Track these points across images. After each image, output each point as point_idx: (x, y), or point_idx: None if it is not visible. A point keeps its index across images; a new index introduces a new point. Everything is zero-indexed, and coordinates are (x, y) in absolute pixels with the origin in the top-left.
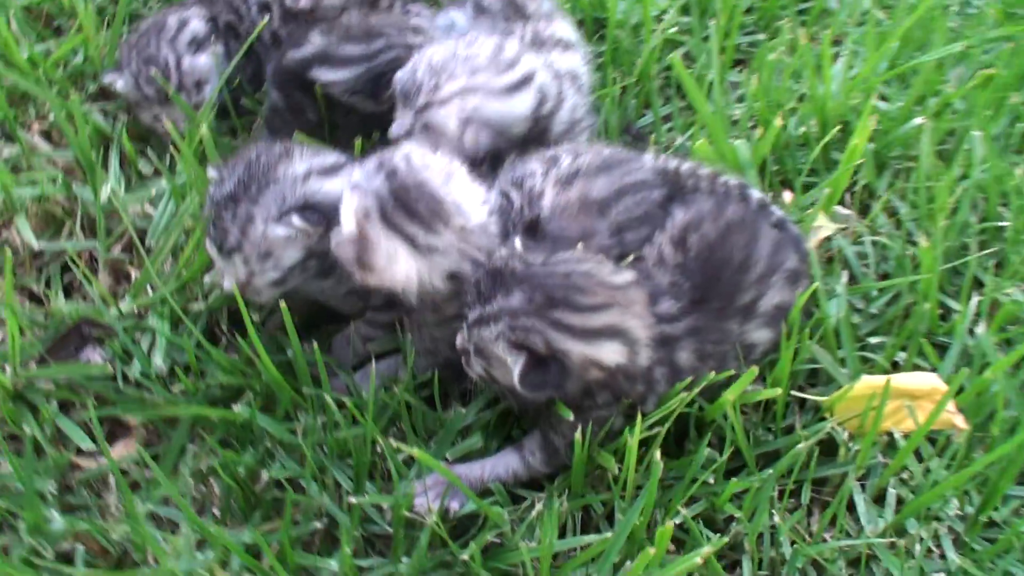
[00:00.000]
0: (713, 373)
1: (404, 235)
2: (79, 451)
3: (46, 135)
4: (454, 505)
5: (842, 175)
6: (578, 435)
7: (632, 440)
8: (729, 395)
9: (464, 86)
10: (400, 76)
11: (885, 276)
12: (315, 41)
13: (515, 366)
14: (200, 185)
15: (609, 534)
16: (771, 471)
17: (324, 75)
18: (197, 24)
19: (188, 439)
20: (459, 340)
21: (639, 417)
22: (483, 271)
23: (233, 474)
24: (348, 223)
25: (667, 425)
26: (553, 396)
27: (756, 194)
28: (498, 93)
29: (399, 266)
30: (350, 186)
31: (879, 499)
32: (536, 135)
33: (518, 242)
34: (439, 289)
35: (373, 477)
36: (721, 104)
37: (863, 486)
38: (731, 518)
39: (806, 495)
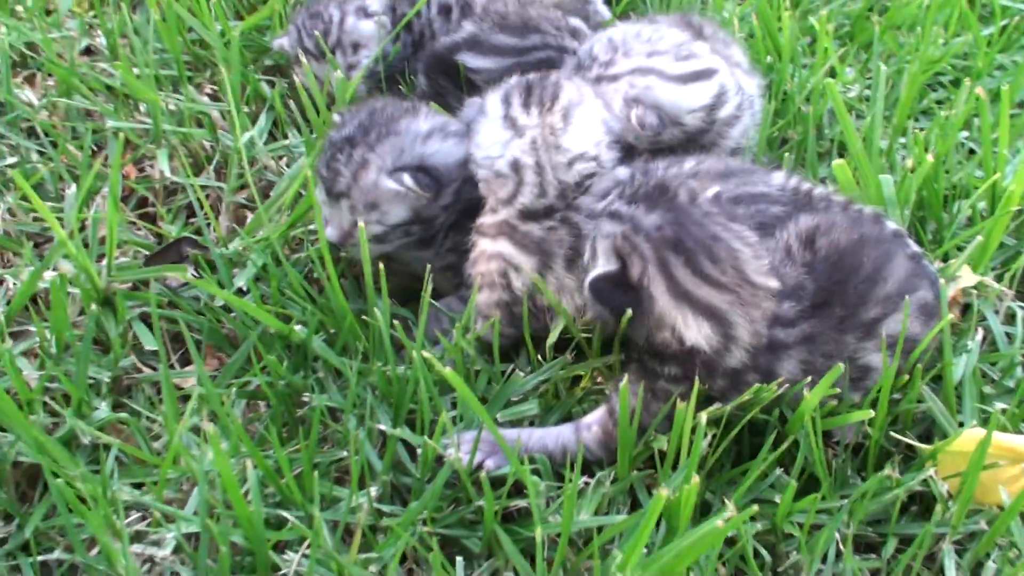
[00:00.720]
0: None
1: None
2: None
3: (214, 97)
4: (489, 463)
5: (999, 222)
6: (630, 403)
7: (688, 411)
8: (811, 399)
9: (638, 66)
10: (580, 48)
11: None
12: (467, 28)
13: (598, 268)
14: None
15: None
16: (845, 502)
17: (471, 61)
18: None
19: (246, 362)
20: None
21: (695, 386)
22: (650, 178)
23: (279, 392)
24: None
25: (741, 423)
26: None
27: (892, 224)
28: (673, 79)
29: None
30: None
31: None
32: (707, 138)
33: (711, 191)
34: None
35: (415, 427)
36: (876, 154)
37: (958, 553)
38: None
39: (890, 547)
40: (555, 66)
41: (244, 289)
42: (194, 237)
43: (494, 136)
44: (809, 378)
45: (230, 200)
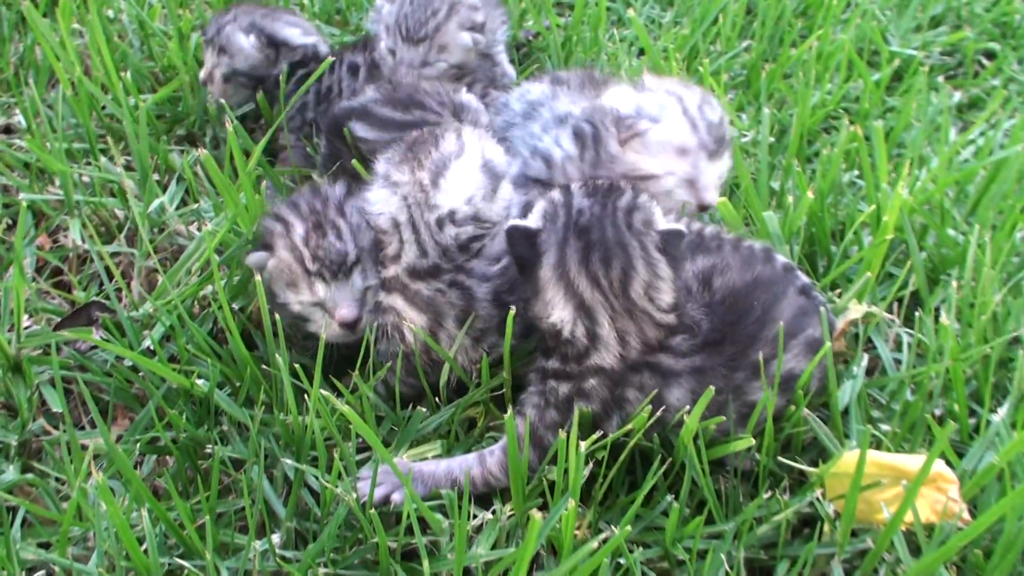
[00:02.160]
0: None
1: None
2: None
3: (129, 167)
4: (396, 497)
5: (876, 248)
6: (519, 427)
7: (572, 439)
8: (690, 423)
9: None
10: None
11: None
12: (368, 94)
13: (520, 220)
14: (251, 209)
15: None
16: (732, 524)
17: (359, 130)
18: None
19: (152, 418)
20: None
21: (576, 412)
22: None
23: (180, 444)
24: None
25: (627, 449)
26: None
27: (781, 258)
28: None
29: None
30: None
31: None
32: None
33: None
34: None
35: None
36: (765, 191)
37: (847, 573)
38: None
39: (781, 570)
40: None
41: (151, 349)
42: (103, 301)
43: (378, 194)
44: (687, 406)
45: (142, 265)
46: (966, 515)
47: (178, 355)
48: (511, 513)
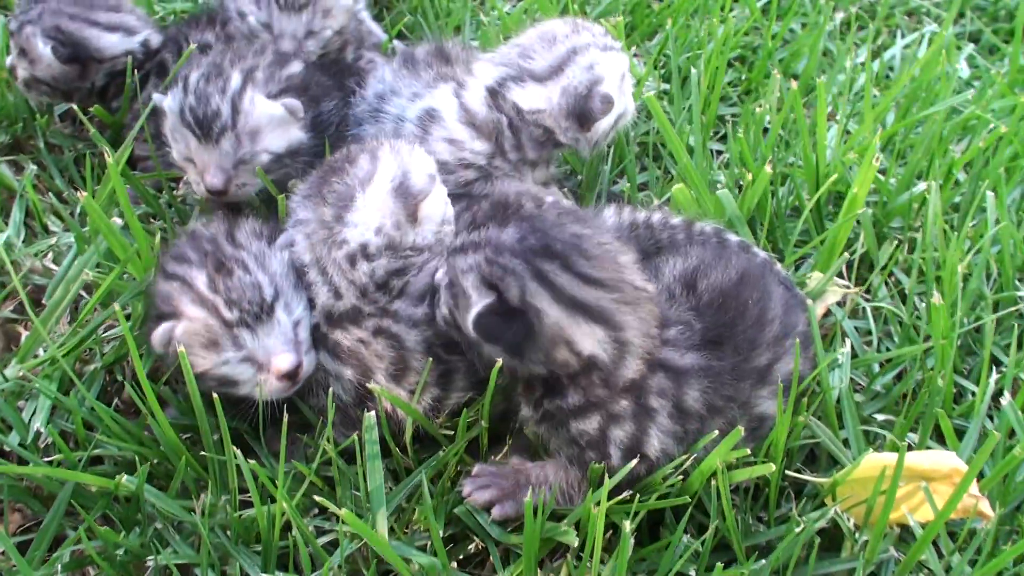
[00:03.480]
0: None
1: None
2: None
3: None
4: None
5: (842, 227)
6: (528, 499)
7: (599, 507)
8: (714, 458)
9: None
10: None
11: (887, 351)
12: None
13: (476, 304)
14: (113, 242)
15: None
16: (764, 562)
17: None
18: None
19: (66, 521)
20: (437, 274)
21: (606, 479)
22: (489, 198)
23: (111, 560)
24: None
25: (651, 498)
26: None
27: (733, 238)
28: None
29: None
30: None
31: None
32: None
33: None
34: None
35: (287, 568)
36: (703, 163)
37: None
38: None
39: None
40: None
41: (40, 430)
42: None
43: (287, 234)
44: (715, 433)
45: None
46: (987, 509)
47: (71, 434)
48: None
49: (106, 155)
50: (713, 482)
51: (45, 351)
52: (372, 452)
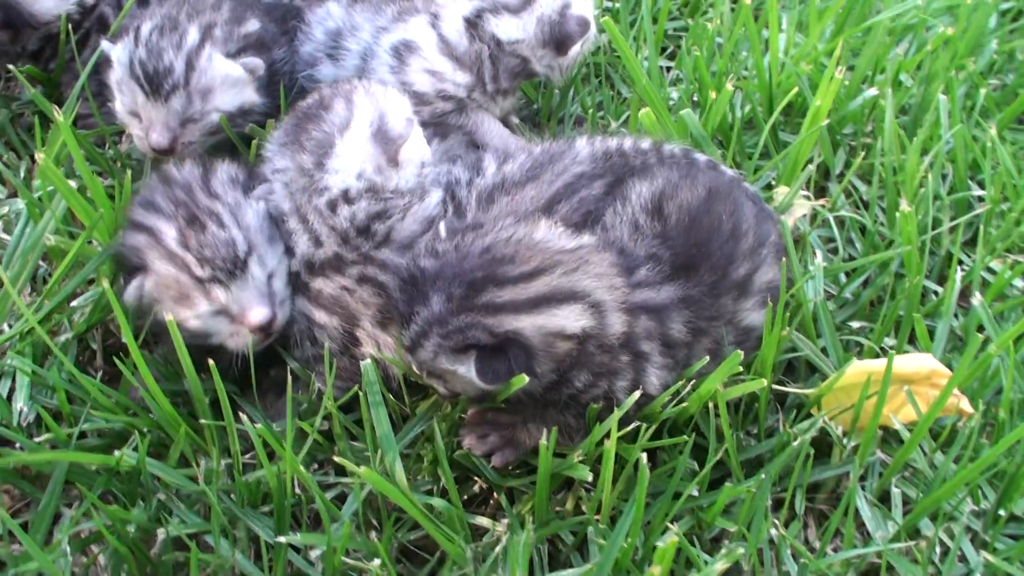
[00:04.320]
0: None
1: None
2: None
3: None
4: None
5: (806, 141)
6: (543, 438)
7: (609, 442)
8: (714, 380)
9: None
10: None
11: (852, 259)
12: None
13: (469, 370)
14: (76, 206)
15: (590, 566)
16: (764, 476)
17: None
18: None
19: (61, 499)
20: (409, 364)
21: (616, 412)
22: (396, 285)
23: (121, 535)
24: None
25: (654, 424)
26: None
27: (727, 170)
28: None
29: None
30: None
31: (883, 500)
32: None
33: (442, 227)
34: None
35: (298, 525)
36: (656, 82)
37: (863, 487)
38: (720, 535)
39: (801, 503)
40: None
41: (24, 409)
42: None
43: (264, 186)
44: (706, 359)
45: None
46: (967, 407)
47: (54, 408)
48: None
49: (56, 114)
50: (710, 404)
51: (10, 326)
52: (375, 400)
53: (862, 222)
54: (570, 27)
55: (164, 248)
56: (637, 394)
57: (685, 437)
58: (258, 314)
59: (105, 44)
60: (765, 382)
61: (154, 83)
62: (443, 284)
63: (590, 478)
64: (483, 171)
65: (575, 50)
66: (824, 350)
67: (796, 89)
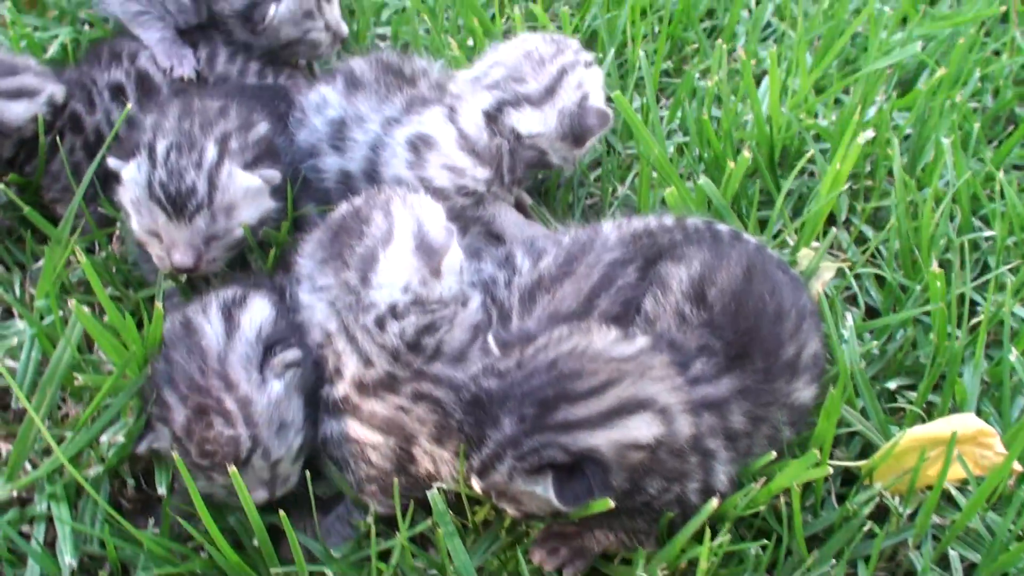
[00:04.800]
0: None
1: None
2: None
3: None
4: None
5: (825, 206)
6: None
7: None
8: (789, 478)
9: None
10: None
11: (870, 310)
12: None
13: (547, 491)
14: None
15: None
16: (818, 554)
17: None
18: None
19: None
20: (476, 487)
21: (693, 521)
22: (461, 409)
23: None
24: None
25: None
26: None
27: (751, 238)
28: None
29: None
30: None
31: (941, 565)
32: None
33: (491, 341)
34: None
35: None
36: (661, 141)
37: (920, 553)
38: None
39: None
40: None
41: (72, 564)
42: None
43: (304, 299)
44: (772, 454)
45: None
46: (1018, 465)
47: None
48: None
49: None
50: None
51: (34, 467)
52: (449, 531)
53: (877, 272)
54: (590, 121)
55: (171, 428)
56: (714, 502)
57: (766, 541)
58: (258, 498)
59: (114, 163)
60: (831, 469)
61: (177, 205)
62: (514, 405)
63: None
64: (518, 269)
65: (591, 142)
66: (863, 411)
67: (810, 154)
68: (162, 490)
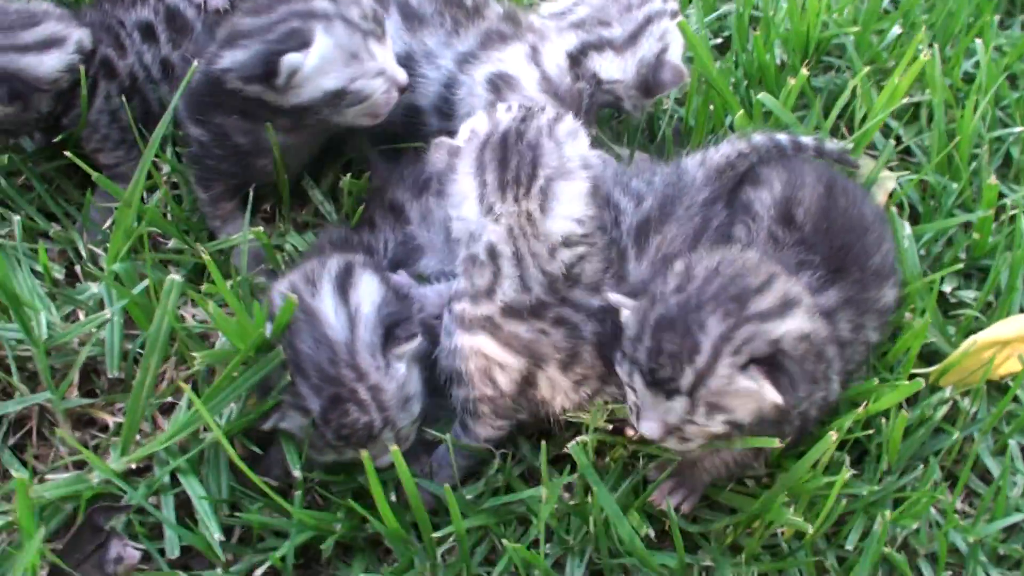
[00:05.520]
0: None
1: None
2: None
3: None
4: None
5: (878, 121)
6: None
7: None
8: (896, 397)
9: None
10: None
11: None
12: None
13: (763, 386)
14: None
15: None
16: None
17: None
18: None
19: None
20: (665, 424)
21: (823, 441)
22: (648, 339)
23: None
24: None
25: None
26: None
27: (784, 139)
28: None
29: None
30: None
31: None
32: None
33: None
34: None
35: None
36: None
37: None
38: None
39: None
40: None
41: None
42: (111, 505)
43: (469, 213)
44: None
45: (62, 408)
46: None
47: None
48: None
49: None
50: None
51: (144, 439)
52: (595, 480)
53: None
54: (665, 76)
55: (303, 417)
56: (833, 435)
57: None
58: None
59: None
60: (923, 382)
61: None
62: (712, 306)
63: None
64: (623, 210)
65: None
66: (922, 312)
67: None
68: (297, 472)
